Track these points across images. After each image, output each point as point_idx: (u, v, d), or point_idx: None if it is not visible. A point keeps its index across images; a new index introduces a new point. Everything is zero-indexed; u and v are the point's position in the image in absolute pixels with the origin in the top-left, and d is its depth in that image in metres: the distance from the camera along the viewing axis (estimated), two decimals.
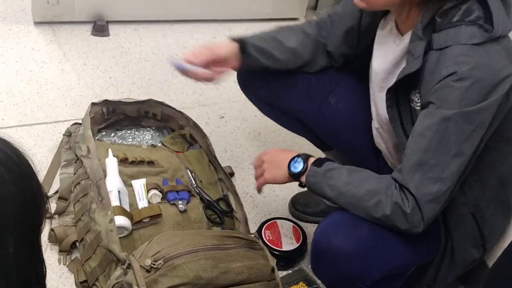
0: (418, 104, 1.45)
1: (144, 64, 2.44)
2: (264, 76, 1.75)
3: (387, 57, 1.56)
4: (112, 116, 1.99)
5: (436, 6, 1.39)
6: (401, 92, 1.49)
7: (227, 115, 2.29)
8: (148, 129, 2.04)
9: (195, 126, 2.01)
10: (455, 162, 1.38)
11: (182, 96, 2.33)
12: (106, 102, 1.97)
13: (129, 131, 2.03)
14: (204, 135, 2.00)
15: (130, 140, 2.01)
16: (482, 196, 1.55)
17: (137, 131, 2.03)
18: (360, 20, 1.66)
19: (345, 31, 1.69)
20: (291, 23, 2.68)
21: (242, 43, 1.64)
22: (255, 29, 2.66)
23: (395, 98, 1.51)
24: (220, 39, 1.67)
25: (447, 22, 1.37)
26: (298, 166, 1.53)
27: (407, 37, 1.46)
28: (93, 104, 1.95)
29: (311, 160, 1.52)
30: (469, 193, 1.53)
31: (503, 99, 1.36)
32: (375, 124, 1.72)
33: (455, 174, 1.38)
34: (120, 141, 1.99)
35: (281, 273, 1.74)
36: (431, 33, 1.39)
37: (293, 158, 1.54)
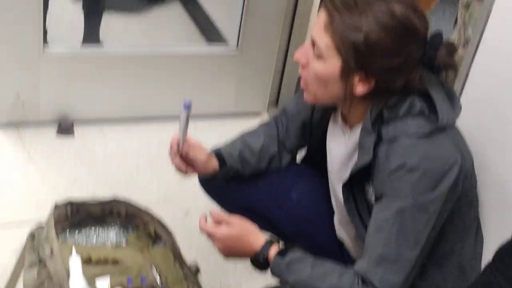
0: (373, 196, 1.50)
1: (109, 163, 2.47)
2: None
3: (340, 150, 1.61)
4: (76, 216, 1.99)
5: (382, 101, 1.46)
6: (356, 185, 1.53)
7: (192, 211, 2.30)
8: (112, 227, 2.04)
9: (160, 223, 2.01)
10: (415, 251, 1.42)
11: (147, 193, 2.35)
12: (70, 202, 1.97)
13: (93, 230, 2.02)
14: (169, 232, 2.00)
15: (94, 238, 2.00)
16: (442, 283, 1.57)
17: (101, 229, 2.03)
18: (312, 115, 1.72)
19: (299, 126, 1.76)
20: (254, 118, 2.79)
21: (220, 157, 1.73)
22: (218, 124, 2.77)
23: (351, 191, 1.55)
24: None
25: (395, 115, 1.44)
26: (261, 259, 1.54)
27: (357, 130, 1.52)
28: (57, 204, 1.95)
29: (274, 249, 1.53)
30: (430, 281, 1.56)
31: (453, 187, 1.41)
32: (337, 216, 1.75)
33: (414, 261, 1.43)
34: (84, 240, 1.98)
35: None
36: (380, 126, 1.45)
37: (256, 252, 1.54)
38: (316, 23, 1.45)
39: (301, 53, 1.49)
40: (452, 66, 1.46)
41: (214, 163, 1.74)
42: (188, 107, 1.54)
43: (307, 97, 1.54)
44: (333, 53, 1.41)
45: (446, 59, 1.43)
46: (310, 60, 1.47)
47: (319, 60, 1.44)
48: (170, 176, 2.43)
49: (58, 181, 2.33)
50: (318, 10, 1.52)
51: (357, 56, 1.39)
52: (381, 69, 1.40)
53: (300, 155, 1.89)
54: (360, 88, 1.44)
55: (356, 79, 1.43)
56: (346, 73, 1.42)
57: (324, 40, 1.41)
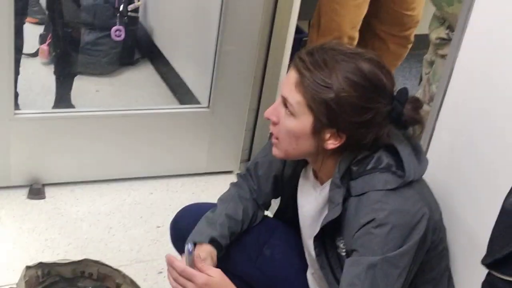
0: (344, 250, 1.51)
1: (81, 224, 2.45)
2: None
3: (310, 205, 1.63)
4: (47, 279, 1.96)
5: (351, 156, 1.48)
6: (327, 239, 1.55)
7: (165, 270, 2.27)
8: None
9: (132, 283, 2.00)
10: None
11: (119, 254, 2.33)
12: (40, 264, 1.95)
13: None
14: None
15: None
16: None
17: None
18: (282, 170, 1.74)
19: (271, 181, 1.77)
20: (226, 176, 2.81)
21: (216, 244, 1.69)
22: (191, 183, 2.77)
23: (322, 245, 1.56)
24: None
25: (363, 170, 1.47)
26: None
27: (327, 185, 1.54)
28: (28, 267, 1.93)
29: None
30: None
31: (422, 240, 1.43)
32: (310, 270, 1.76)
33: None
34: None
35: None
36: (349, 180, 1.48)
37: None
38: (286, 82, 1.48)
39: (272, 111, 1.52)
40: (418, 121, 1.50)
41: (215, 255, 1.69)
42: (191, 252, 1.55)
43: (277, 152, 1.56)
44: (305, 110, 1.44)
45: (412, 114, 1.46)
46: (281, 118, 1.50)
47: (290, 117, 1.47)
48: (142, 236, 2.44)
49: (29, 244, 2.30)
50: (288, 68, 1.55)
51: (328, 113, 1.42)
52: (352, 125, 1.44)
53: (273, 210, 1.91)
54: (331, 144, 1.46)
55: (327, 135, 1.46)
56: (317, 130, 1.45)
57: (295, 97, 1.44)
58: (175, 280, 1.57)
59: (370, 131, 1.45)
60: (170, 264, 1.58)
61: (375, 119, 1.44)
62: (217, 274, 1.54)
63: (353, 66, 1.42)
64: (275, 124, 1.52)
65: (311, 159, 1.56)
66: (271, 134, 1.56)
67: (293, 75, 1.46)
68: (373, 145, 1.47)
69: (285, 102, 1.48)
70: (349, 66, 1.42)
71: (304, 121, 1.45)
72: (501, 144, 1.50)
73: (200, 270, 1.53)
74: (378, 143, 1.48)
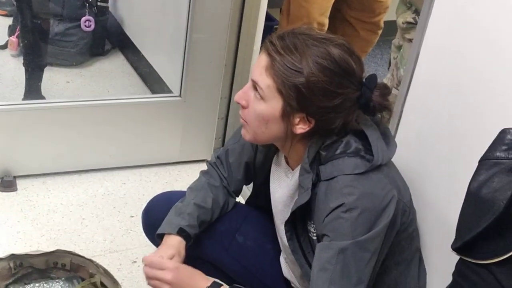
0: (315, 235, 1.52)
1: (53, 216, 2.44)
2: None
3: (282, 190, 1.64)
4: (20, 270, 1.95)
5: (320, 142, 1.49)
6: (298, 224, 1.56)
7: (139, 260, 2.29)
8: (57, 280, 2.01)
9: (106, 273, 1.99)
10: None
11: (93, 244, 2.32)
12: (12, 256, 1.94)
13: (37, 284, 1.98)
14: (115, 281, 1.98)
15: None
16: None
17: (46, 283, 1.99)
18: (254, 157, 1.75)
19: (243, 168, 1.77)
20: (199, 165, 2.81)
21: (185, 234, 1.68)
22: (165, 172, 2.77)
23: (294, 229, 1.58)
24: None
25: (332, 155, 1.48)
26: None
27: (298, 171, 1.55)
28: (0, 259, 1.92)
29: None
30: None
31: (392, 222, 1.45)
32: (283, 256, 1.77)
33: None
34: None
35: None
36: (318, 165, 1.49)
37: None
38: (257, 66, 1.48)
39: (242, 95, 1.52)
40: (386, 108, 1.51)
41: (184, 248, 1.69)
42: None
43: (246, 134, 1.57)
44: (274, 94, 1.45)
45: (380, 101, 1.48)
46: (250, 101, 1.50)
47: (260, 101, 1.48)
48: (116, 226, 2.43)
49: (1, 236, 2.29)
50: (259, 53, 1.55)
51: (298, 98, 1.43)
52: (321, 109, 1.45)
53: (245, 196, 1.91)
54: (300, 129, 1.47)
55: (296, 119, 1.47)
56: (286, 114, 1.46)
57: (265, 81, 1.45)
58: (147, 274, 1.58)
59: (338, 116, 1.46)
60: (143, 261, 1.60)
61: (344, 104, 1.45)
62: (181, 265, 1.59)
63: (323, 51, 1.43)
64: (244, 107, 1.53)
65: (280, 144, 1.57)
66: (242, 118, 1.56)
67: (263, 59, 1.46)
68: (341, 130, 1.48)
69: (255, 86, 1.48)
70: (319, 51, 1.43)
71: (273, 105, 1.46)
72: (468, 127, 1.52)
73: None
74: (347, 128, 1.49)
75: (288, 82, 1.43)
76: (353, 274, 1.42)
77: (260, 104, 1.48)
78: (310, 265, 1.53)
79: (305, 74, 1.41)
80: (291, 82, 1.42)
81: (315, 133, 1.49)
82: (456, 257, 1.24)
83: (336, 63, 1.43)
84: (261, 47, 1.53)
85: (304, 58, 1.42)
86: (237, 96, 1.53)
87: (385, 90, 1.49)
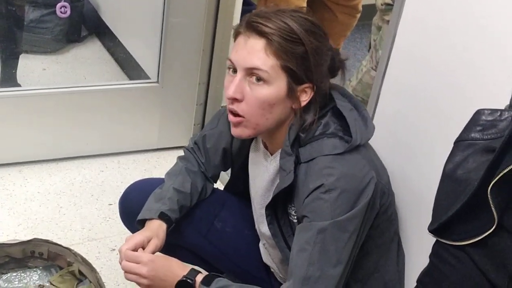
0: (295, 217, 1.52)
1: (30, 205, 2.41)
2: None
3: (262, 176, 1.63)
4: None
5: (299, 124, 1.48)
6: (279, 207, 1.55)
7: (118, 247, 2.26)
8: (35, 269, 1.99)
9: (84, 261, 1.97)
10: (337, 270, 1.43)
11: (71, 233, 2.30)
12: None
13: (14, 273, 1.97)
14: (93, 270, 1.96)
15: (17, 282, 1.94)
16: None
17: (23, 272, 1.98)
18: (231, 143, 1.73)
19: (220, 154, 1.76)
20: (178, 151, 2.79)
21: (166, 218, 1.67)
22: (143, 159, 2.75)
23: (274, 214, 1.57)
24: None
25: (311, 137, 1.47)
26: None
27: (278, 155, 1.54)
28: None
29: (200, 278, 1.52)
30: None
31: (370, 203, 1.44)
32: (262, 241, 1.76)
33: (338, 280, 1.44)
34: (6, 284, 1.93)
35: None
36: (298, 148, 1.48)
37: (180, 280, 1.53)
38: (249, 51, 1.44)
39: (235, 89, 1.46)
40: (343, 64, 1.56)
41: (164, 231, 1.67)
42: None
43: (244, 131, 1.51)
44: (279, 73, 1.44)
45: (340, 58, 1.54)
46: (246, 93, 1.46)
47: (262, 86, 1.44)
48: (94, 214, 2.41)
49: None
50: (235, 40, 1.50)
51: (303, 67, 1.44)
52: (320, 73, 1.47)
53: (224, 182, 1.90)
54: (303, 101, 1.48)
55: (298, 93, 1.47)
56: (291, 90, 1.46)
57: (268, 63, 1.43)
58: (123, 268, 1.57)
59: (328, 79, 1.50)
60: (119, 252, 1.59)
61: (330, 65, 1.50)
62: (157, 257, 1.57)
63: (304, 20, 1.45)
64: (240, 101, 1.47)
65: (267, 133, 1.55)
66: (234, 115, 1.49)
67: (256, 42, 1.43)
68: (323, 105, 1.50)
69: (252, 73, 1.44)
70: (302, 20, 1.45)
71: (279, 84, 1.45)
72: (446, 107, 1.52)
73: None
74: (326, 100, 1.51)
75: (292, 55, 1.42)
76: (332, 255, 1.42)
77: (263, 88, 1.44)
78: (290, 248, 1.52)
79: (303, 42, 1.42)
80: (295, 53, 1.43)
81: (311, 103, 1.49)
82: (433, 240, 1.24)
83: (318, 27, 1.47)
84: (237, 33, 1.49)
85: (295, 28, 1.43)
86: (231, 91, 1.46)
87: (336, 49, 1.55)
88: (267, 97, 1.45)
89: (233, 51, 1.48)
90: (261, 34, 1.43)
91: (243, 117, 1.48)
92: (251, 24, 1.44)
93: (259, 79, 1.44)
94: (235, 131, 1.52)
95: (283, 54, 1.42)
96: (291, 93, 1.46)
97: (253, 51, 1.44)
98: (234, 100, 1.47)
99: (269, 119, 1.48)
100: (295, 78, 1.44)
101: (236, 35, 1.49)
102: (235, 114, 1.49)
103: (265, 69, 1.43)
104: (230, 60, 1.47)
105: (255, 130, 1.51)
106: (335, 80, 1.57)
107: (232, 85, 1.46)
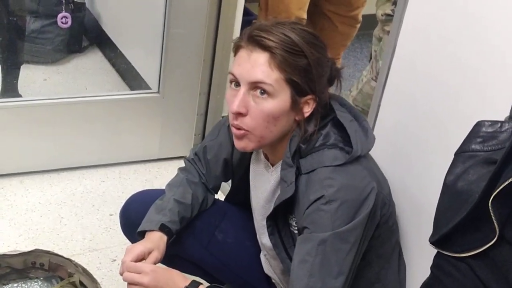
0: (296, 228, 1.52)
1: (31, 215, 2.41)
2: None
3: (263, 186, 1.63)
4: None
5: (300, 135, 1.49)
6: (280, 218, 1.55)
7: (119, 258, 2.26)
8: (36, 280, 1.99)
9: (85, 272, 1.97)
10: (339, 281, 1.44)
11: (72, 243, 2.30)
12: None
13: (16, 284, 1.96)
14: (94, 280, 1.96)
15: None
16: None
17: (24, 283, 1.97)
18: (232, 153, 1.74)
19: (221, 165, 1.77)
20: (179, 161, 2.79)
21: (167, 230, 1.67)
22: (144, 169, 2.75)
23: (275, 224, 1.57)
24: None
25: (311, 148, 1.48)
26: None
27: (279, 166, 1.54)
28: None
29: None
30: None
31: (371, 214, 1.45)
32: (263, 252, 1.76)
33: None
34: None
35: None
36: (299, 159, 1.48)
37: None
38: (253, 65, 1.43)
39: (239, 103, 1.45)
40: (339, 74, 1.56)
41: (164, 243, 1.66)
42: None
43: (248, 144, 1.51)
44: (283, 86, 1.44)
45: (337, 68, 1.54)
46: (250, 107, 1.46)
47: (267, 100, 1.44)
48: (95, 224, 2.41)
49: None
50: (236, 53, 1.49)
51: (306, 79, 1.44)
52: (322, 84, 1.48)
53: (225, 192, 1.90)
54: (306, 112, 1.49)
55: (301, 105, 1.48)
56: (295, 102, 1.46)
57: (273, 76, 1.43)
58: (124, 279, 1.56)
59: (327, 89, 1.52)
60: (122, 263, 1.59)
61: (329, 75, 1.51)
62: (159, 268, 1.57)
63: (304, 32, 1.46)
64: (244, 115, 1.47)
65: (276, 140, 1.54)
66: (235, 129, 1.49)
67: (259, 56, 1.43)
68: (323, 116, 1.51)
69: (256, 87, 1.44)
70: (302, 32, 1.45)
71: (283, 98, 1.45)
72: (446, 118, 1.52)
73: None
74: (327, 110, 1.51)
75: (295, 68, 1.43)
76: (333, 266, 1.42)
77: (268, 102, 1.44)
78: (291, 259, 1.52)
79: (305, 54, 1.43)
80: (298, 66, 1.43)
81: (313, 114, 1.50)
82: (434, 251, 1.24)
83: (317, 38, 1.48)
84: (238, 46, 1.49)
85: (297, 41, 1.43)
86: (235, 106, 1.45)
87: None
88: (272, 110, 1.45)
89: (235, 65, 1.47)
90: (264, 48, 1.43)
91: (248, 130, 1.48)
92: (253, 38, 1.44)
93: (263, 92, 1.44)
94: (239, 144, 1.52)
95: (287, 67, 1.42)
96: (295, 105, 1.46)
97: (256, 65, 1.43)
98: (239, 114, 1.46)
99: (273, 131, 1.48)
100: (298, 90, 1.45)
101: (237, 48, 1.48)
102: (239, 128, 1.49)
103: (269, 82, 1.43)
104: (233, 74, 1.47)
105: (259, 143, 1.51)
106: (331, 89, 1.57)
107: (236, 99, 1.46)
